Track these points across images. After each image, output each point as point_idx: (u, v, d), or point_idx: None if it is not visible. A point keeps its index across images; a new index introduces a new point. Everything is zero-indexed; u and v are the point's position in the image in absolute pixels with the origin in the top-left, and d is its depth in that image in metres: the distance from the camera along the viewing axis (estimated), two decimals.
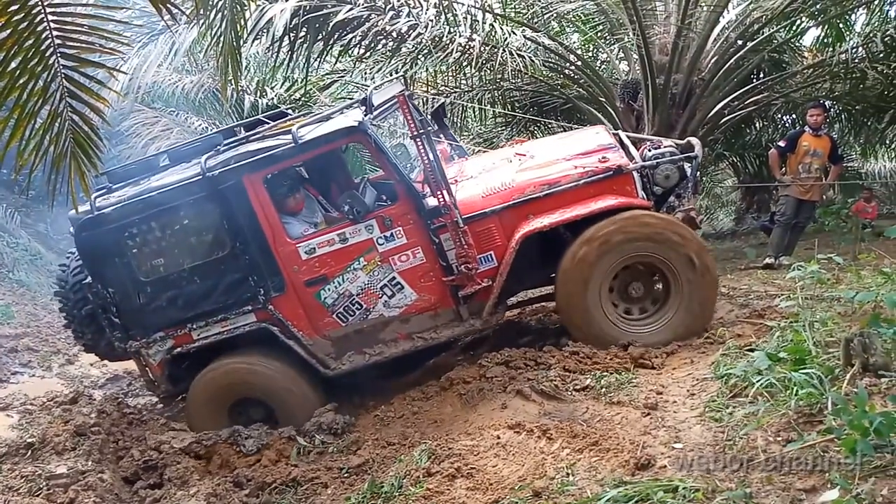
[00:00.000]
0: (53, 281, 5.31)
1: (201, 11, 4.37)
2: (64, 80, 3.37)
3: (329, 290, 4.45)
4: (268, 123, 4.87)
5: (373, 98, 4.56)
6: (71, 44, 3.37)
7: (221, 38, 4.68)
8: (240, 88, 9.67)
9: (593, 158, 4.57)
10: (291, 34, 7.37)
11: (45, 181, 3.60)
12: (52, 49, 3.28)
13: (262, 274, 4.42)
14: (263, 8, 6.78)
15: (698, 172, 4.98)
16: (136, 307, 4.53)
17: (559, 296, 4.46)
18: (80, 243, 4.51)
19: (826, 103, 8.02)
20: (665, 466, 2.83)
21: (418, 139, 4.22)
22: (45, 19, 3.23)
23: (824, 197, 8.41)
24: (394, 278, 4.45)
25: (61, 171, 3.64)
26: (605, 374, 3.93)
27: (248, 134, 4.73)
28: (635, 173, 4.51)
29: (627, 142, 4.97)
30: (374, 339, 4.57)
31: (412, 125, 4.21)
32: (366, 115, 4.39)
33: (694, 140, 4.83)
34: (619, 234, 4.25)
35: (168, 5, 3.57)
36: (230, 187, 4.33)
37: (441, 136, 5.50)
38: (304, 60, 7.79)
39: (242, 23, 4.93)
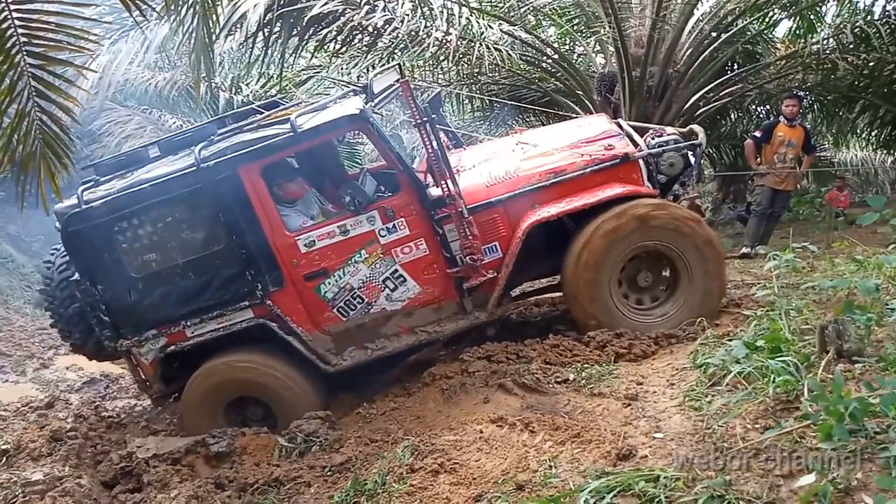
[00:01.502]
0: (38, 278, 5.14)
1: (172, 7, 4.29)
2: (31, 78, 3.30)
3: (329, 283, 4.33)
4: (261, 113, 4.72)
5: (373, 85, 4.44)
6: (37, 42, 3.30)
7: (193, 35, 4.61)
8: (214, 85, 9.53)
9: (598, 146, 4.50)
10: (266, 29, 7.31)
11: (15, 182, 3.52)
12: (17, 47, 3.21)
13: (259, 268, 4.28)
14: (236, 3, 6.69)
15: (701, 160, 4.96)
16: (126, 304, 4.36)
17: (568, 286, 4.37)
18: (66, 238, 4.30)
19: (799, 94, 8.14)
20: (646, 456, 2.86)
21: (422, 126, 4.12)
22: (9, 17, 3.15)
23: (798, 186, 8.54)
24: (396, 271, 4.33)
25: (31, 171, 3.56)
26: (586, 365, 3.95)
27: (242, 123, 4.59)
28: (641, 161, 4.45)
29: (630, 130, 4.91)
30: (375, 334, 4.46)
31: (416, 112, 4.12)
32: (366, 103, 4.27)
33: (697, 128, 4.78)
34: (630, 222, 4.18)
35: (137, 2, 3.50)
36: (226, 178, 4.16)
37: (438, 125, 5.41)
38: (279, 56, 7.72)
39: (214, 18, 4.85)
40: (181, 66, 10.06)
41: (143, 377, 4.54)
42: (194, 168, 4.16)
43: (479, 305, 4.44)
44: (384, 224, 4.27)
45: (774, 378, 2.88)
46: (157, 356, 4.43)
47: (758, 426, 2.73)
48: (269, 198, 4.29)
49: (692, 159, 4.60)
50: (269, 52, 7.63)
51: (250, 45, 7.47)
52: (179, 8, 4.39)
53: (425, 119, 4.13)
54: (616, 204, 4.24)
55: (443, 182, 4.14)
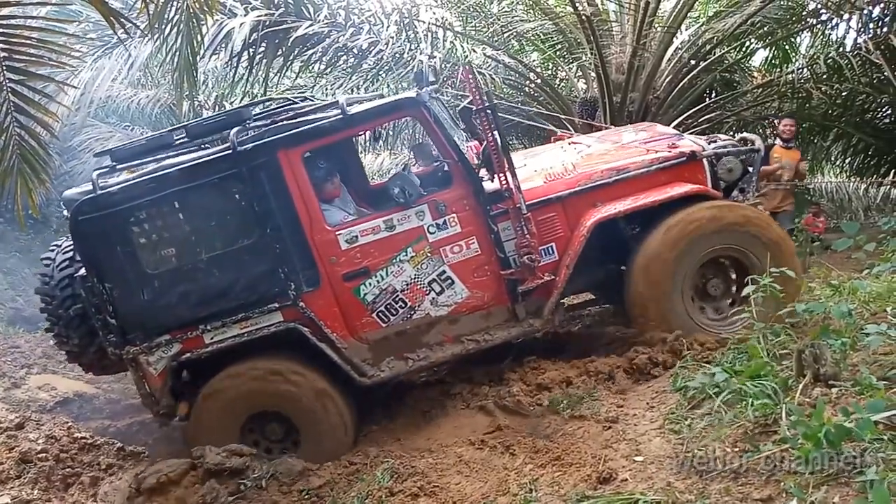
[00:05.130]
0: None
1: (156, 26, 4.29)
2: (10, 94, 3.27)
3: (370, 284, 3.95)
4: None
5: (427, 71, 4.23)
6: (18, 57, 3.27)
7: (177, 53, 4.60)
8: (197, 104, 9.52)
9: (662, 144, 4.29)
10: (251, 49, 7.33)
11: None
12: None
13: (293, 265, 3.87)
14: (222, 22, 6.71)
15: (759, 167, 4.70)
16: (138, 305, 3.89)
17: (635, 292, 4.04)
18: (76, 228, 3.83)
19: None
20: (626, 480, 2.86)
21: (483, 113, 3.87)
22: None
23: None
24: (444, 272, 3.99)
25: (7, 187, 3.51)
26: (567, 387, 3.95)
27: (281, 107, 4.26)
28: (706, 162, 4.24)
29: (686, 135, 4.71)
30: (417, 343, 4.07)
31: (477, 98, 3.88)
32: (422, 89, 4.01)
33: (751, 135, 4.65)
34: (712, 222, 3.92)
35: (121, 19, 3.50)
36: (263, 164, 3.79)
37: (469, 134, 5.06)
38: (263, 76, 7.72)
39: (199, 38, 4.85)
40: (164, 83, 10.05)
41: (150, 390, 4.03)
42: (229, 152, 3.80)
43: (533, 312, 4.11)
44: (434, 220, 3.94)
45: (753, 402, 2.91)
46: (168, 365, 3.96)
47: (737, 449, 2.74)
48: (309, 187, 3.91)
49: (751, 166, 4.42)
50: (254, 71, 7.65)
51: (235, 64, 7.48)
52: (164, 27, 4.39)
53: (488, 105, 3.87)
54: (682, 204, 4.01)
55: (501, 174, 3.86)
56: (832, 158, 10.93)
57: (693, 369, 3.74)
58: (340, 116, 3.87)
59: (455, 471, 3.28)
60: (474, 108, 3.96)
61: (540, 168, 4.37)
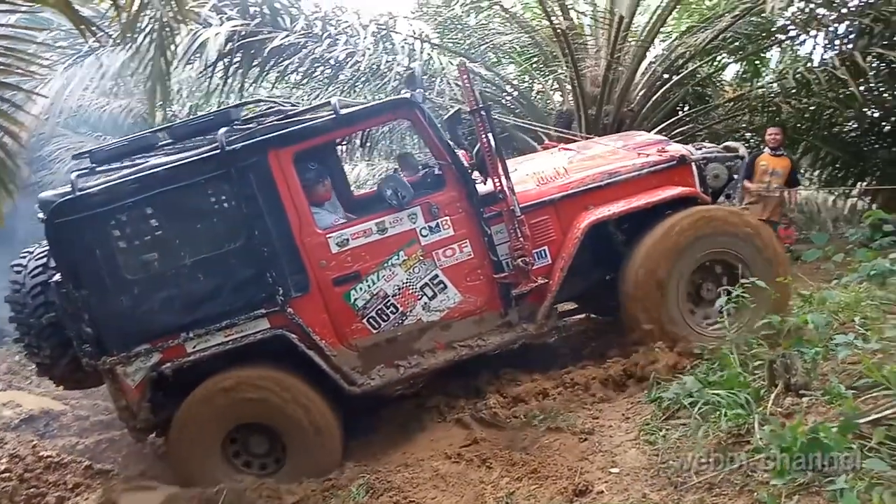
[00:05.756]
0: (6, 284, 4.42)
1: (128, 35, 4.22)
2: None
3: (361, 289, 3.86)
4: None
5: (418, 73, 4.19)
6: None
7: (150, 63, 4.54)
8: (171, 114, 9.42)
9: (652, 149, 4.33)
10: (226, 59, 7.27)
11: None
12: None
13: (282, 270, 3.76)
14: (196, 32, 6.65)
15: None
16: (116, 312, 3.73)
17: (629, 295, 4.00)
18: (52, 231, 3.67)
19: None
20: (602, 492, 2.87)
21: (477, 114, 3.86)
22: None
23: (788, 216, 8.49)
24: (436, 276, 3.92)
25: None
26: (544, 399, 3.94)
27: (271, 109, 4.16)
28: (694, 167, 4.28)
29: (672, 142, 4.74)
30: (408, 350, 3.98)
31: (472, 98, 3.87)
32: (414, 91, 3.95)
33: (734, 144, 4.68)
34: (709, 224, 3.94)
35: (93, 28, 3.45)
36: (253, 165, 3.70)
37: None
38: (238, 86, 7.66)
39: (173, 48, 4.79)
40: (137, 93, 9.92)
41: (127, 403, 3.82)
42: (217, 151, 3.69)
43: (527, 317, 4.06)
44: (426, 222, 3.89)
45: (726, 412, 2.94)
46: (147, 376, 3.77)
47: (711, 460, 2.76)
48: (299, 189, 3.82)
49: (735, 172, 4.46)
50: (230, 81, 7.59)
51: (210, 74, 7.41)
52: (136, 35, 4.33)
53: (482, 106, 3.86)
54: (673, 209, 4.03)
55: (495, 176, 3.83)
56: (802, 171, 11.16)
57: (668, 379, 3.77)
58: (333, 116, 3.81)
59: (431, 485, 3.25)
60: (469, 108, 3.93)
61: (532, 172, 4.36)
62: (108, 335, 3.76)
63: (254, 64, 7.47)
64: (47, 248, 4.02)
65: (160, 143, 4.10)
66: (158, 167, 3.75)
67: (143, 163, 3.94)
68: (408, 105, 3.91)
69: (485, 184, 4.00)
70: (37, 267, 4.15)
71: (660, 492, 2.71)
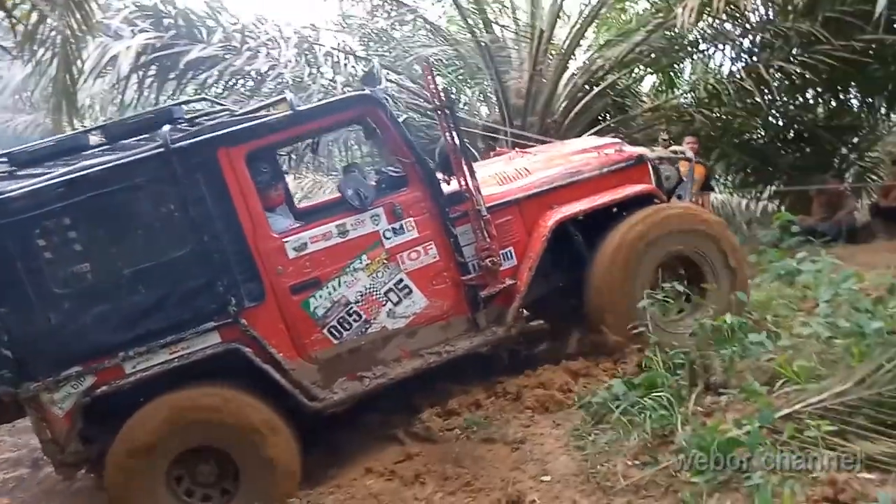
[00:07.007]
0: None
1: (27, 47, 3.96)
2: None
3: (321, 297, 3.62)
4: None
5: (377, 72, 4.04)
6: None
7: (54, 76, 4.29)
8: (83, 128, 8.95)
9: (609, 150, 4.37)
10: (140, 72, 7.00)
11: None
12: None
13: (234, 278, 3.47)
14: (106, 45, 6.37)
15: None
16: (42, 332, 3.33)
17: (595, 294, 3.97)
18: None
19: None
20: (535, 501, 2.87)
21: (440, 111, 3.77)
22: None
23: None
24: (401, 280, 3.74)
25: None
26: (477, 410, 3.93)
27: (218, 110, 3.93)
28: (650, 166, 4.35)
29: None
30: (372, 360, 3.76)
31: (436, 96, 3.77)
32: (374, 88, 3.79)
33: (682, 147, 4.92)
34: (670, 221, 3.98)
35: None
36: (201, 164, 3.44)
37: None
38: (154, 99, 7.39)
39: (79, 63, 4.54)
40: (44, 108, 9.40)
41: (53, 435, 3.39)
42: (161, 150, 3.40)
43: (495, 320, 3.93)
44: (390, 224, 3.72)
45: (651, 414, 3.01)
46: (77, 403, 3.35)
47: (637, 462, 2.82)
48: (253, 190, 3.57)
49: (684, 174, 4.63)
50: (145, 94, 7.31)
51: (122, 88, 7.11)
52: (36, 49, 4.06)
53: (445, 104, 3.77)
54: (630, 208, 4.08)
55: (461, 175, 3.75)
56: (716, 177, 11.73)
57: (595, 384, 3.83)
58: (289, 113, 3.60)
59: None
60: (432, 106, 3.85)
61: (493, 173, 4.31)
62: (30, 358, 3.34)
63: (170, 77, 7.24)
64: None
65: (91, 145, 3.76)
66: (91, 168, 3.42)
67: (73, 164, 3.54)
68: (369, 101, 3.74)
69: (448, 184, 3.90)
70: None
71: (589, 497, 2.74)
